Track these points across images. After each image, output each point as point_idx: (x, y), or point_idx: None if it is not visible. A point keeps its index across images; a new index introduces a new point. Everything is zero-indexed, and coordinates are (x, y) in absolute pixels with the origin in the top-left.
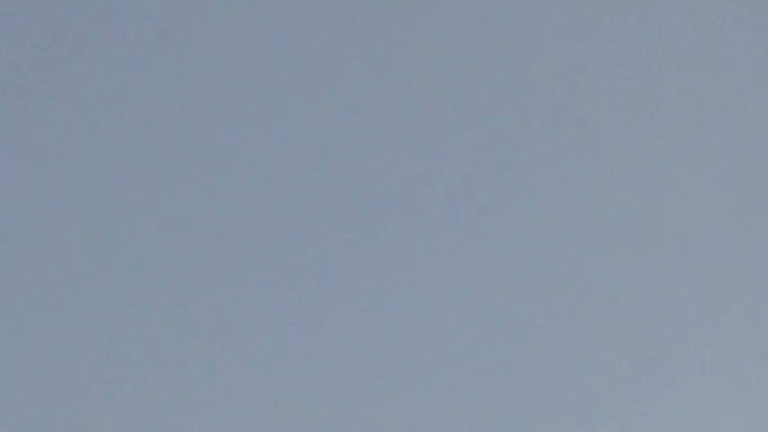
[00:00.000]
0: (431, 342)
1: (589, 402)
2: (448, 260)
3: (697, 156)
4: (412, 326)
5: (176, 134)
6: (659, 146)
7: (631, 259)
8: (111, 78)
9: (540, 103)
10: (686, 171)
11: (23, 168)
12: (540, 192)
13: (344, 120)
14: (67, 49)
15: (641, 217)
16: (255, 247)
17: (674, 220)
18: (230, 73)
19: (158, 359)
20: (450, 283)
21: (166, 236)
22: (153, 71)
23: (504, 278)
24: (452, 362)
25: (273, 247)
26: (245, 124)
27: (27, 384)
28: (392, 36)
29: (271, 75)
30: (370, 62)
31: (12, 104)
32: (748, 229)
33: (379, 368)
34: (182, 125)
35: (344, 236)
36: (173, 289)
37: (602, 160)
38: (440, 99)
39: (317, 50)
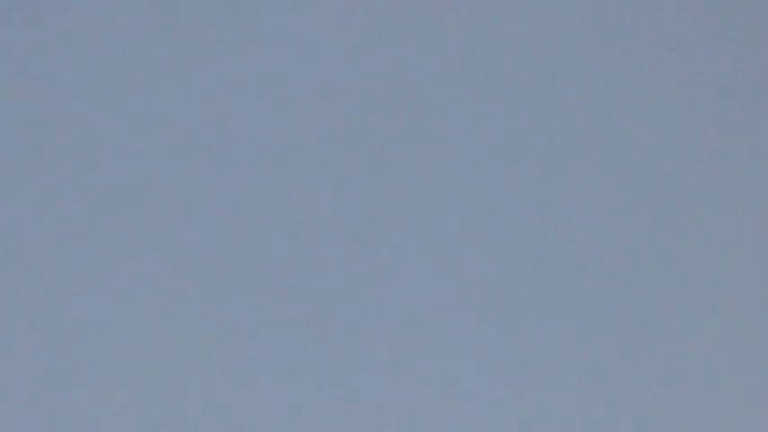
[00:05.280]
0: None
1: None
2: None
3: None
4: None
5: (177, 134)
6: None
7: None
8: (113, 78)
9: (542, 106)
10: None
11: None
12: (542, 196)
13: (344, 122)
14: (67, 48)
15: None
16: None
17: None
18: (232, 74)
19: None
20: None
21: (168, 239)
22: (154, 71)
23: (503, 282)
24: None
25: (273, 249)
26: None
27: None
28: (392, 40)
29: (273, 75)
30: (371, 65)
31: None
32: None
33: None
34: (183, 125)
35: (344, 237)
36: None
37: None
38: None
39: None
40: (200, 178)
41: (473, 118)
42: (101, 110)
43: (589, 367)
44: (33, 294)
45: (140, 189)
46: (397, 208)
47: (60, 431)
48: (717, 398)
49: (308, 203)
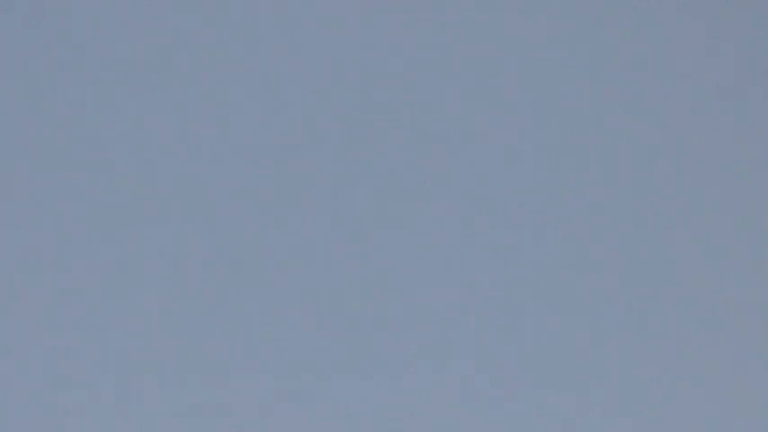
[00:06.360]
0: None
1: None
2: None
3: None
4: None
5: (177, 134)
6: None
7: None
8: (113, 78)
9: (542, 106)
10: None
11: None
12: (542, 196)
13: (346, 122)
14: (68, 48)
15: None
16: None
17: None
18: (233, 74)
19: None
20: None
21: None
22: (156, 71)
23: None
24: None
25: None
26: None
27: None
28: (393, 37)
29: (274, 75)
30: (373, 65)
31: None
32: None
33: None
34: (183, 125)
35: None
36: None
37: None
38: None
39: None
40: (201, 178)
41: (473, 118)
42: (101, 110)
43: (589, 367)
44: (33, 294)
45: (140, 188)
46: (397, 208)
47: (60, 431)
48: (717, 398)
49: (308, 203)
